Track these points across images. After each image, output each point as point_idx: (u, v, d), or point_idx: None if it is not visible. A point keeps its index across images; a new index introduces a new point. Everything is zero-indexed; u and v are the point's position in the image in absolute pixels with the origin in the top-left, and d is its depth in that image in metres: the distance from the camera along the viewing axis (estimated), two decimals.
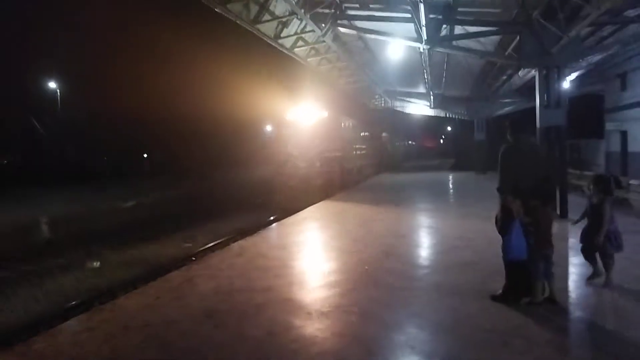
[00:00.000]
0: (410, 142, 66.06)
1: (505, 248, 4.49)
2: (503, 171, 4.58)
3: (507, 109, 25.28)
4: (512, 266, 4.55)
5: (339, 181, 18.85)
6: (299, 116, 18.14)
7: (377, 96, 31.13)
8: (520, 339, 3.83)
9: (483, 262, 6.16)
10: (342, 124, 20.84)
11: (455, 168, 31.71)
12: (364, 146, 26.20)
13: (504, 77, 19.32)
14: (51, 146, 38.19)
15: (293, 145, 17.95)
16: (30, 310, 7.39)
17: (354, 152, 23.18)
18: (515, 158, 4.60)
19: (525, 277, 4.53)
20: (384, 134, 35.03)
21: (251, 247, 8.00)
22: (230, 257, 7.35)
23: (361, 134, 26.07)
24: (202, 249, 10.68)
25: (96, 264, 9.88)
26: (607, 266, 4.98)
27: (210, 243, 11.19)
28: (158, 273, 7.30)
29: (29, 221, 16.42)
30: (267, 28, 13.31)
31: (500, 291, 4.68)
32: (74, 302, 7.25)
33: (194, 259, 9.10)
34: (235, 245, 8.40)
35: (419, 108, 31.58)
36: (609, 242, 4.89)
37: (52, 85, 38.05)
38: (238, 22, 11.76)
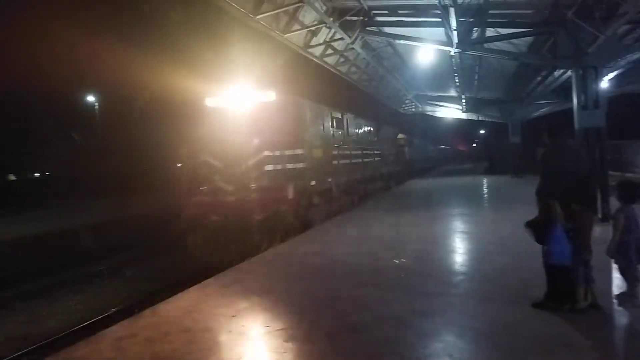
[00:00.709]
0: (442, 146, 65.34)
1: (547, 254, 4.38)
2: (543, 175, 4.49)
3: (542, 111, 24.71)
4: (553, 272, 4.44)
5: (295, 214, 10.54)
6: (228, 100, 10.46)
7: (407, 101, 30.95)
8: (563, 347, 3.72)
9: (522, 268, 6.02)
10: (311, 113, 12.03)
11: (489, 172, 31.13)
12: (376, 151, 19.80)
13: (539, 78, 18.88)
14: None
15: (214, 152, 10.61)
16: None
17: (346, 159, 14.72)
18: (556, 161, 4.51)
19: (567, 283, 4.41)
20: (400, 136, 28.67)
21: None
22: None
23: (370, 135, 19.14)
24: None
25: None
26: (630, 281, 4.46)
27: None
28: None
29: None
30: (297, 38, 13.47)
31: (541, 298, 4.57)
32: None
33: None
34: None
35: (451, 112, 31.25)
36: (628, 253, 4.39)
37: None
38: (270, 33, 11.92)
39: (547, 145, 4.62)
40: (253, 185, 10.11)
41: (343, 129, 14.68)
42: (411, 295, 5.31)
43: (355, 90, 22.86)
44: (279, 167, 10.47)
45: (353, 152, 15.53)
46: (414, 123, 39.14)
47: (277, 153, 10.44)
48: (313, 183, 11.27)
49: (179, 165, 11.47)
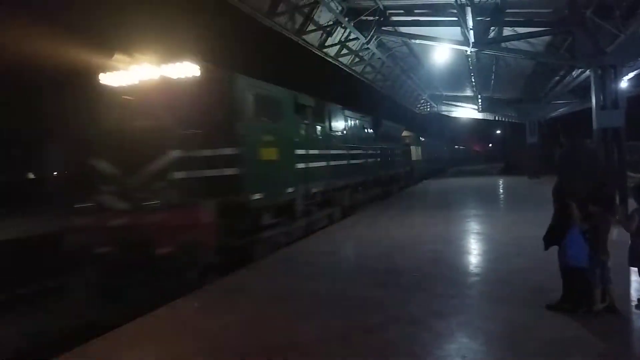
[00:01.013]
0: (457, 146, 64.79)
1: (564, 256, 4.34)
2: (560, 175, 4.46)
3: (560, 111, 24.41)
4: (570, 274, 4.39)
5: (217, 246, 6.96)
6: (131, 76, 7.35)
7: (422, 101, 30.82)
8: (579, 350, 3.69)
9: (538, 270, 5.95)
10: (256, 96, 8.16)
11: (505, 172, 30.80)
12: (373, 151, 16.16)
13: (557, 78, 18.65)
14: None
15: (106, 152, 7.17)
16: None
17: (322, 161, 11.06)
18: (573, 162, 4.47)
19: (583, 285, 4.37)
20: (406, 133, 24.90)
21: None
22: None
23: (365, 131, 15.70)
24: None
25: None
26: None
27: None
28: None
29: None
30: (312, 38, 13.51)
31: (557, 300, 4.53)
32: None
33: None
34: None
35: (466, 111, 31.05)
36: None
37: None
38: (284, 33, 11.99)
39: (564, 146, 4.58)
40: (156, 203, 6.59)
41: (322, 123, 11.35)
42: (426, 297, 5.30)
43: (349, 78, 19.27)
44: (196, 173, 6.85)
45: (336, 153, 11.97)
46: (427, 122, 38.63)
47: (195, 153, 6.84)
48: (259, 196, 7.67)
49: (56, 172, 7.29)
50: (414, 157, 25.57)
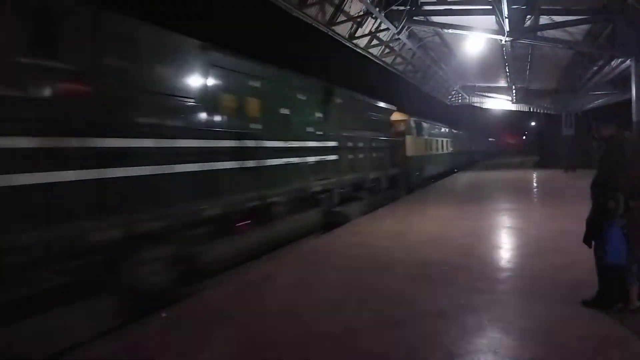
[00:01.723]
0: (490, 139, 63.46)
1: (603, 253, 4.20)
2: (604, 168, 4.30)
3: (598, 102, 23.56)
4: (606, 270, 4.26)
5: None
6: None
7: (453, 92, 30.29)
8: (615, 348, 3.59)
9: (574, 266, 5.80)
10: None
11: (540, 165, 30.01)
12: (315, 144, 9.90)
13: (595, 68, 18.00)
14: None
15: None
16: None
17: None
18: (616, 155, 4.30)
19: (620, 281, 4.23)
20: (397, 117, 17.48)
21: None
22: None
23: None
24: None
25: None
26: None
27: None
28: None
29: None
30: (342, 29, 13.42)
31: (593, 296, 4.40)
32: None
33: None
34: None
35: (500, 103, 30.39)
36: None
37: None
38: (314, 24, 11.95)
39: (603, 137, 4.40)
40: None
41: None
42: (456, 291, 5.23)
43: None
44: None
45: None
46: (455, 113, 37.29)
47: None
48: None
49: None
50: (409, 153, 17.66)
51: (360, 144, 12.59)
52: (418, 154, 19.21)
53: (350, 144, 11.82)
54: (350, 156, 11.82)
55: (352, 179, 11.72)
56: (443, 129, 26.59)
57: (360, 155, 12.57)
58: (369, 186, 13.12)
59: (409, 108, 19.58)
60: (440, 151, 25.04)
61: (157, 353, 4.03)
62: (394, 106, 16.31)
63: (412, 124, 18.71)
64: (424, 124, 20.98)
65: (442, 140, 25.75)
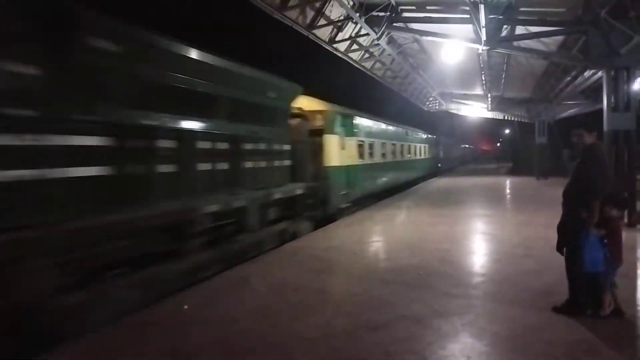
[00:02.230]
0: (465, 145, 64.49)
1: (580, 261, 4.23)
2: (579, 176, 4.34)
3: (571, 112, 24.21)
4: (579, 278, 4.34)
5: None
6: None
7: (431, 98, 30.67)
8: (585, 354, 3.66)
9: (545, 272, 5.92)
10: None
11: (513, 172, 30.61)
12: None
13: (568, 79, 18.47)
14: None
15: None
16: None
17: None
18: (596, 163, 4.31)
19: (593, 288, 4.33)
20: (309, 107, 11.54)
21: None
22: None
23: None
24: None
25: None
26: None
27: None
28: None
29: None
30: (322, 32, 13.44)
31: (563, 302, 4.49)
32: None
33: None
34: None
35: (475, 110, 30.91)
36: None
37: None
38: (294, 27, 11.93)
39: (584, 144, 4.42)
40: None
41: None
42: (431, 295, 5.27)
43: None
44: None
45: None
46: (431, 118, 36.59)
47: None
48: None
49: None
50: (332, 161, 11.78)
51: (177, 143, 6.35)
52: (349, 162, 13.01)
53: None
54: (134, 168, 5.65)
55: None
56: (401, 130, 21.17)
57: (188, 167, 6.59)
58: (206, 228, 6.74)
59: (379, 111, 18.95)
60: (394, 158, 19.43)
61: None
62: (297, 85, 10.05)
63: (338, 118, 12.45)
64: (362, 121, 14.87)
65: (400, 145, 20.45)
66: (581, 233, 4.21)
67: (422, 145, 26.47)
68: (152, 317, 4.79)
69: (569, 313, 4.39)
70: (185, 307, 5.09)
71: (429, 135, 29.41)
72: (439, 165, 33.48)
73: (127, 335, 4.33)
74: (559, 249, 4.53)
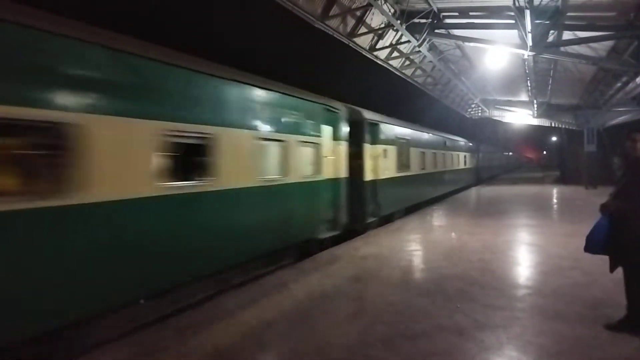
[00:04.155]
0: (508, 153, 62.74)
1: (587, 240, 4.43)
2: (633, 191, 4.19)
3: (622, 119, 23.16)
4: (636, 293, 4.15)
5: None
6: None
7: (473, 105, 30.09)
8: None
9: (594, 285, 5.70)
10: None
11: (560, 181, 29.53)
12: None
13: (619, 84, 17.72)
14: None
15: None
16: None
17: None
18: None
19: None
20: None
21: None
22: None
23: None
24: None
25: None
26: None
27: None
28: None
29: None
30: (363, 40, 13.47)
31: (622, 318, 4.29)
32: None
33: None
34: None
35: (520, 117, 30.09)
36: None
37: None
38: (335, 35, 12.01)
39: (637, 154, 4.26)
40: None
41: None
42: (473, 307, 5.16)
43: None
44: None
45: None
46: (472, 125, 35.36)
47: None
48: None
49: None
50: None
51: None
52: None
53: None
54: None
55: None
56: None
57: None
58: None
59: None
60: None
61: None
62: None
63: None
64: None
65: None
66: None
67: (462, 154, 25.10)
68: (191, 320, 4.92)
69: (623, 330, 4.20)
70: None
71: (469, 143, 28.05)
72: (479, 174, 31.57)
73: (168, 337, 4.47)
74: (613, 268, 4.35)
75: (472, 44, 13.33)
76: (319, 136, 8.84)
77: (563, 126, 28.18)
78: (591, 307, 4.89)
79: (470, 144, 28.67)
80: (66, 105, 4.09)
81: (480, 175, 31.67)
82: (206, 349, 4.17)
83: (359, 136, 10.70)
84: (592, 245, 4.44)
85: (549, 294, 5.59)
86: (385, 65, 15.65)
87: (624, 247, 4.22)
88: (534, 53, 11.10)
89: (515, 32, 10.90)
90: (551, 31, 11.00)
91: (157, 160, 4.96)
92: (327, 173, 9.10)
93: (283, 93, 7.68)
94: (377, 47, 14.30)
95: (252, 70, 7.08)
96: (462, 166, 25.23)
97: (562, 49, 11.87)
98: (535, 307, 5.14)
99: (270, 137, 7.21)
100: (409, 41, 13.37)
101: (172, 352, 4.15)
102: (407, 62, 17.37)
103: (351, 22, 12.48)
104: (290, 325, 4.70)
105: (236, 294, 5.88)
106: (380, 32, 13.67)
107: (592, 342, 4.05)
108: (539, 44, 10.65)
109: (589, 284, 5.83)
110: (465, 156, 26.02)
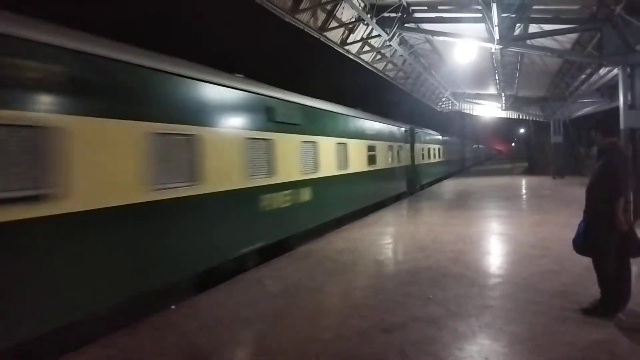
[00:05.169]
0: (477, 145, 63.88)
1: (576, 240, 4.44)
2: (606, 177, 4.31)
3: (586, 110, 23.87)
4: (609, 280, 4.28)
5: None
6: None
7: (444, 99, 30.48)
8: (606, 355, 3.60)
9: (563, 272, 5.85)
10: None
11: (528, 172, 30.25)
12: None
13: (583, 76, 18.23)
14: None
15: None
16: None
17: None
18: (622, 162, 4.33)
19: (621, 291, 4.27)
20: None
21: None
22: None
23: None
24: None
25: None
26: None
27: None
28: None
29: None
30: (334, 35, 13.45)
31: (595, 303, 4.42)
32: None
33: None
34: None
35: (489, 110, 30.65)
36: None
37: None
38: (306, 30, 11.96)
39: (604, 144, 4.38)
40: None
41: None
42: (446, 297, 5.23)
43: None
44: None
45: None
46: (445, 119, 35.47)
47: None
48: None
49: None
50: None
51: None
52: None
53: None
54: None
55: None
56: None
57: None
58: None
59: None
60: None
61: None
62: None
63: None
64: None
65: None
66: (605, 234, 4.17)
67: (435, 146, 25.09)
68: (166, 319, 4.83)
69: (599, 315, 4.32)
70: (173, 307, 5.14)
71: (440, 137, 27.81)
72: (450, 167, 31.72)
73: (144, 337, 4.38)
74: (580, 250, 4.47)
75: (441, 38, 13.46)
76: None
77: (530, 118, 28.84)
78: (561, 294, 5.01)
79: (441, 137, 28.35)
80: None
81: (450, 168, 31.89)
82: (182, 347, 4.10)
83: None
84: (576, 247, 4.58)
85: (520, 282, 5.70)
86: (356, 59, 15.68)
87: (593, 237, 4.37)
88: (501, 46, 11.27)
89: (482, 25, 11.05)
90: (517, 24, 11.19)
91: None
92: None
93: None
94: (348, 41, 14.31)
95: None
96: (434, 160, 25.13)
97: (528, 42, 12.10)
98: (506, 295, 5.24)
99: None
100: (379, 35, 13.40)
101: (148, 351, 4.07)
102: (379, 57, 17.45)
103: (322, 16, 12.45)
104: (267, 322, 4.66)
105: (212, 293, 5.80)
106: (350, 26, 13.68)
107: (561, 328, 4.15)
108: (506, 38, 10.83)
109: (558, 271, 5.98)
110: (437, 149, 26.09)
